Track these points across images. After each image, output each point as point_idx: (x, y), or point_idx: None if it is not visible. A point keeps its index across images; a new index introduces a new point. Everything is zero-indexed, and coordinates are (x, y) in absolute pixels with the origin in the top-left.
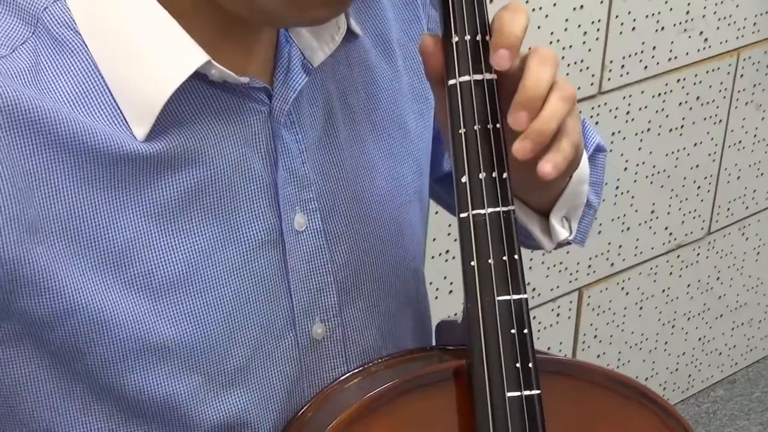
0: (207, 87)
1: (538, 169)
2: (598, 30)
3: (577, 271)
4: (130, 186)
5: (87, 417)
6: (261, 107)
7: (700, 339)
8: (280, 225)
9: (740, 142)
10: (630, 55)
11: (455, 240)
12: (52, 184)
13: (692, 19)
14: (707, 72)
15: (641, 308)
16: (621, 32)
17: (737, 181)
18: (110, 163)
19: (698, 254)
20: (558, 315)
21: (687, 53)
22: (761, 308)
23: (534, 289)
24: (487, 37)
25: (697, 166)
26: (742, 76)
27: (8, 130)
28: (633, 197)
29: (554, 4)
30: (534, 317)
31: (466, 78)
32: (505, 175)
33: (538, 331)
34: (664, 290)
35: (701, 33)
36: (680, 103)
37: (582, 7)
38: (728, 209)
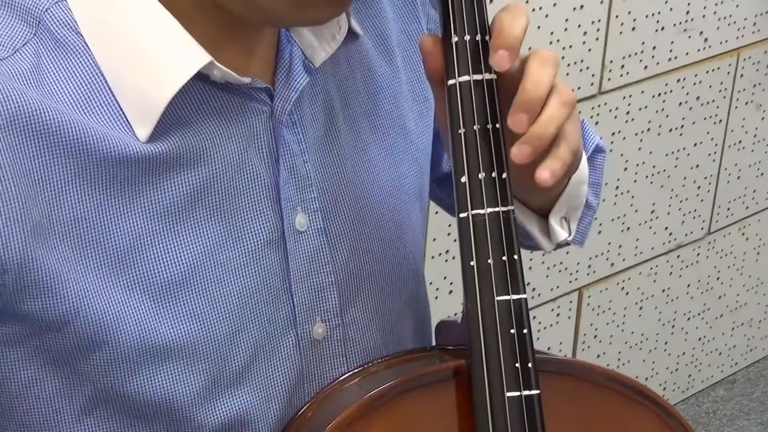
0: (209, 87)
1: (536, 176)
2: (598, 30)
3: (577, 271)
4: (132, 187)
5: (89, 418)
6: (263, 107)
7: (700, 339)
8: (281, 225)
9: (740, 142)
10: (630, 55)
11: (455, 240)
12: (56, 187)
13: (692, 19)
14: (707, 72)
15: (641, 308)
16: (621, 32)
17: (737, 181)
18: (113, 164)
19: (698, 254)
20: (558, 315)
21: (687, 53)
22: (761, 308)
23: (534, 289)
24: (487, 37)
25: (697, 166)
26: (742, 76)
27: (12, 132)
28: (633, 197)
29: (554, 4)
30: (534, 317)
31: (465, 78)
32: (504, 175)
33: (538, 331)
34: (664, 290)
35: (701, 33)
36: (680, 103)
37: (582, 7)
38: (728, 209)
